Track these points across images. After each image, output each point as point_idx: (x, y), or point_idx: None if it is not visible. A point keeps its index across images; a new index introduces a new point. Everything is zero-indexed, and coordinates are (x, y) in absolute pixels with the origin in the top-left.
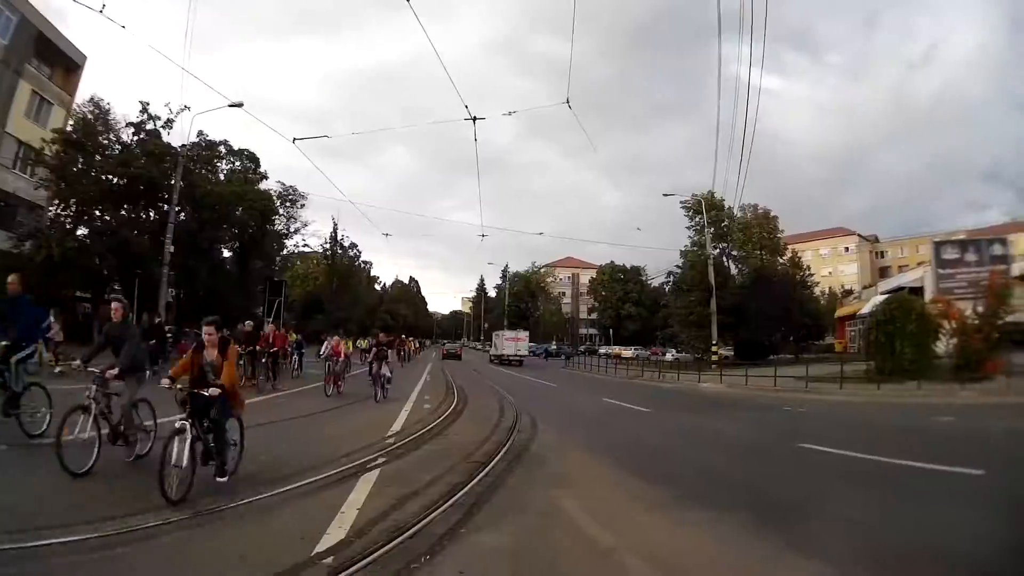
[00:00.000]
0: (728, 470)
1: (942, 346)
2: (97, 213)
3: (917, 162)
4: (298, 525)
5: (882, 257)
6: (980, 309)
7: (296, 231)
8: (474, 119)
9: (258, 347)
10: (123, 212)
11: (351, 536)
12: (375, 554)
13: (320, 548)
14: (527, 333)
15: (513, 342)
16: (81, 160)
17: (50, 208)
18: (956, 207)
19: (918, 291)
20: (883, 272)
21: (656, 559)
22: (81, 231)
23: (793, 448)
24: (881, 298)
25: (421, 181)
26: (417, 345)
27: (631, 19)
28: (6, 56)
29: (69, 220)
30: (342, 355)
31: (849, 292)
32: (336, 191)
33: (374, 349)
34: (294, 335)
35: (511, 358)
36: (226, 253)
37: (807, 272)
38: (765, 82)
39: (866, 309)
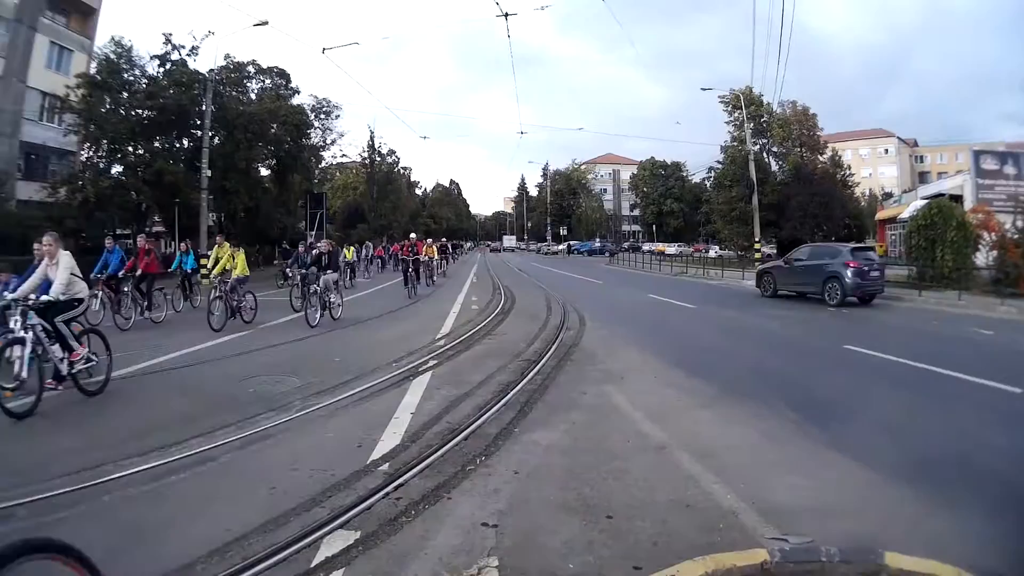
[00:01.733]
0: (774, 368)
1: (982, 257)
2: (130, 149)
3: (957, 68)
4: (354, 433)
5: (921, 162)
6: (1020, 224)
7: (332, 142)
8: (506, 15)
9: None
10: (156, 144)
11: (406, 441)
12: (431, 458)
13: (376, 455)
14: (514, 237)
15: (509, 241)
16: (108, 100)
17: (81, 152)
18: (995, 118)
19: (957, 199)
20: (922, 177)
21: (706, 456)
22: (115, 169)
23: (838, 349)
24: (921, 203)
25: (457, 82)
26: (450, 248)
27: None
28: (19, 13)
29: (102, 160)
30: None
31: (889, 195)
32: (371, 98)
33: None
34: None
35: (505, 248)
36: (264, 172)
37: (848, 171)
38: None
39: (906, 213)
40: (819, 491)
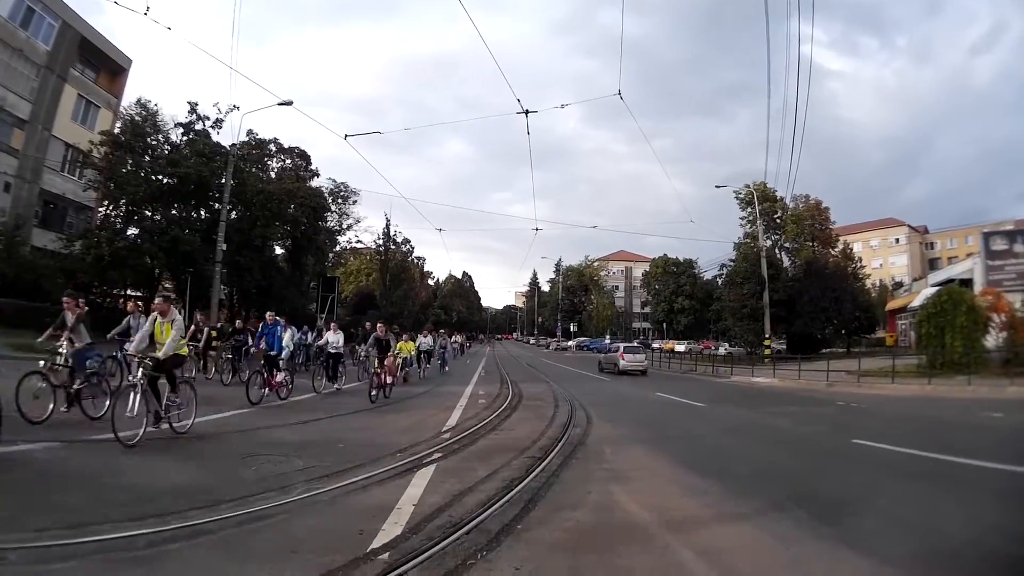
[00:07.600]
0: (783, 465)
1: (992, 339)
2: (147, 213)
3: (973, 150)
4: (356, 521)
5: (931, 248)
6: None
7: (348, 227)
8: (526, 112)
9: None
10: (173, 211)
11: (408, 532)
12: (431, 550)
13: (376, 544)
14: (512, 332)
15: (505, 336)
16: (130, 161)
17: (99, 209)
18: (1010, 197)
19: (968, 283)
20: (932, 264)
21: (712, 555)
22: (131, 231)
23: (847, 443)
24: (931, 290)
25: (475, 174)
26: (460, 340)
27: None
28: (50, 61)
29: (119, 220)
30: None
31: (899, 284)
32: (388, 186)
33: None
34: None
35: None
36: (278, 250)
37: (858, 264)
38: (837, 65)
39: (917, 302)
40: None
